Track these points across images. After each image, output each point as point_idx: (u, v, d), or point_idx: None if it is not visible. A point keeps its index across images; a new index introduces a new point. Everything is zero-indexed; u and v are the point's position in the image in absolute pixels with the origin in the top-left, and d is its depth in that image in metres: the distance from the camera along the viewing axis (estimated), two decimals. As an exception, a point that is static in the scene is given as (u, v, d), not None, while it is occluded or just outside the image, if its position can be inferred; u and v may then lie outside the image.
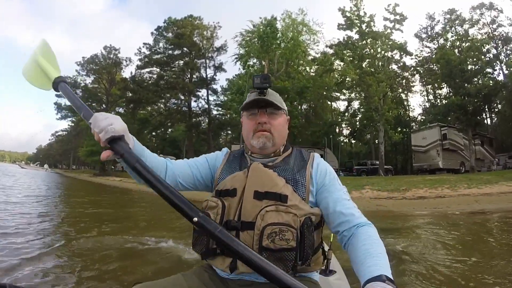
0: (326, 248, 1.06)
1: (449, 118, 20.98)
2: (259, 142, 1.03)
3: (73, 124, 50.56)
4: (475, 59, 19.39)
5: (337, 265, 1.59)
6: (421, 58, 30.67)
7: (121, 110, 37.42)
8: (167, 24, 33.79)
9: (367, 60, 21.00)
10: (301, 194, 0.96)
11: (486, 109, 27.84)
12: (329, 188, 0.99)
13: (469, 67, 19.99)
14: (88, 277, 2.96)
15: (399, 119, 32.00)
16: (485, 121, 33.27)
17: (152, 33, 34.16)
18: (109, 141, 0.76)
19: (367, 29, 21.40)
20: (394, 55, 25.40)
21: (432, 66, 27.92)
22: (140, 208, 9.92)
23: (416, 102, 60.49)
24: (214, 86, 34.65)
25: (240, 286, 0.96)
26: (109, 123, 0.76)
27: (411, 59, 29.42)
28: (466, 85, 18.43)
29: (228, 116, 34.09)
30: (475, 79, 19.46)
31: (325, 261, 1.03)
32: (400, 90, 32.77)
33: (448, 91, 22.74)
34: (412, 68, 30.54)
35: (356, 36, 21.91)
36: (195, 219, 0.69)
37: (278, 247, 0.85)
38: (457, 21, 32.77)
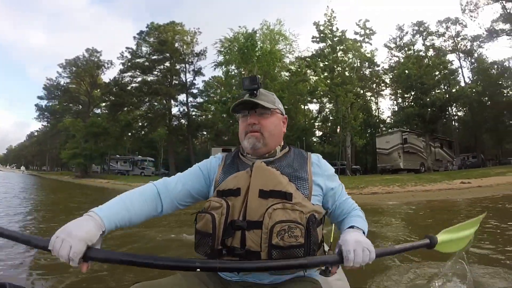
0: (326, 248, 1.07)
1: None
2: (249, 142, 1.04)
3: (48, 125, 50.07)
4: (433, 74, 21.82)
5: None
6: (389, 67, 33.37)
7: (98, 111, 37.80)
8: (149, 29, 34.68)
9: (337, 70, 22.97)
10: (304, 191, 0.97)
11: (447, 115, 30.82)
12: (330, 185, 1.06)
13: (433, 78, 22.59)
14: (89, 277, 2.92)
15: (368, 122, 34.35)
16: (452, 125, 36.54)
17: (134, 37, 34.94)
18: (81, 260, 0.75)
19: (338, 45, 23.43)
20: (363, 67, 27.67)
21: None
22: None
23: (386, 105, 63.22)
24: (194, 91, 35.85)
25: (242, 287, 0.98)
26: (67, 251, 0.73)
27: (378, 68, 31.85)
28: (424, 96, 20.81)
29: (204, 117, 35.24)
30: (432, 92, 21.88)
31: None
32: (370, 94, 35.24)
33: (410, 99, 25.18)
34: (381, 73, 33.06)
35: (328, 49, 23.93)
36: (197, 266, 0.74)
37: (287, 244, 0.86)
38: (424, 33, 36.03)
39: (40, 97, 39.62)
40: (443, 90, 23.56)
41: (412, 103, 21.78)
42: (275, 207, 0.90)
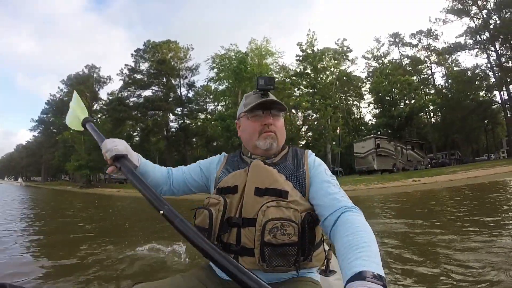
0: (326, 248, 1.04)
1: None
2: (266, 143, 1.02)
3: (40, 135, 51.92)
4: (399, 89, 25.37)
5: (337, 265, 1.42)
6: (366, 75, 36.85)
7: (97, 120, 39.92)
8: (146, 46, 37.48)
9: (317, 87, 26.22)
10: (301, 190, 0.96)
11: (424, 118, 34.40)
12: (317, 179, 0.98)
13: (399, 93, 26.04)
14: (89, 277, 2.96)
15: (350, 127, 37.54)
16: (426, 127, 39.89)
17: (132, 55, 37.68)
18: (114, 159, 0.96)
19: (319, 63, 26.69)
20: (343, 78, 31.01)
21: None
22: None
23: (368, 109, 66.74)
24: (190, 105, 38.66)
25: None
26: (114, 145, 0.96)
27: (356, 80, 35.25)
28: (391, 108, 24.26)
29: (194, 125, 37.84)
30: (401, 105, 25.40)
31: (325, 261, 1.02)
32: (352, 99, 38.55)
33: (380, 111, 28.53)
34: (360, 83, 36.51)
35: (310, 67, 27.19)
36: (161, 211, 0.78)
37: (280, 242, 0.85)
38: (400, 44, 39.57)
39: (44, 113, 42.11)
40: (408, 103, 27.10)
41: (382, 115, 25.19)
42: (269, 204, 0.89)
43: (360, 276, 0.60)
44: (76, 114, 1.23)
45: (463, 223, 4.90)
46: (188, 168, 1.19)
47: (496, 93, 31.49)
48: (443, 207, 7.32)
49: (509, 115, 29.83)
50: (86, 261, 3.55)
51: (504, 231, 4.07)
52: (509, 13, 27.80)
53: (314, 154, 1.09)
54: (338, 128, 23.48)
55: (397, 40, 39.90)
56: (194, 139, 39.89)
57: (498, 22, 28.69)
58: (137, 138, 39.29)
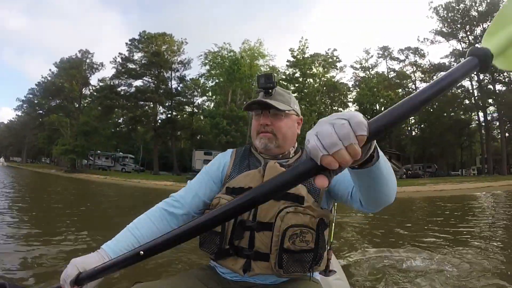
0: (326, 248, 1.03)
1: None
2: (261, 143, 1.02)
3: (24, 115, 51.24)
4: (383, 103, 26.79)
5: (337, 265, 1.64)
6: (353, 84, 38.24)
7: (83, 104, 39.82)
8: (141, 37, 37.74)
9: (304, 92, 27.31)
10: (315, 195, 0.94)
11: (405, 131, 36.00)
12: (339, 176, 0.88)
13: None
14: None
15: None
16: (406, 139, 41.58)
17: (126, 44, 37.85)
18: (76, 283, 0.75)
19: (308, 70, 27.80)
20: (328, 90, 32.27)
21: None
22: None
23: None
24: (178, 97, 39.09)
25: (242, 287, 0.96)
26: (64, 274, 0.78)
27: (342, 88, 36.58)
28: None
29: (180, 117, 38.32)
30: None
31: (325, 261, 1.01)
32: (337, 106, 39.90)
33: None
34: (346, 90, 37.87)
35: (300, 72, 28.28)
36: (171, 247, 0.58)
37: (298, 248, 0.85)
38: (388, 57, 41.05)
39: (32, 93, 41.85)
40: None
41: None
42: (288, 210, 0.88)
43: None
44: None
45: (392, 227, 5.66)
46: (199, 182, 1.05)
47: (474, 113, 33.28)
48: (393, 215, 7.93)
49: (484, 135, 31.57)
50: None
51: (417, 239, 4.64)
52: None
53: None
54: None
55: (385, 53, 41.50)
56: (178, 133, 40.36)
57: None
58: (123, 125, 39.52)
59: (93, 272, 0.74)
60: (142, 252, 0.60)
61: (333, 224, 1.15)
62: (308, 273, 0.91)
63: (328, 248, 1.03)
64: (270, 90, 1.01)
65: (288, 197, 0.91)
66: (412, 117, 27.49)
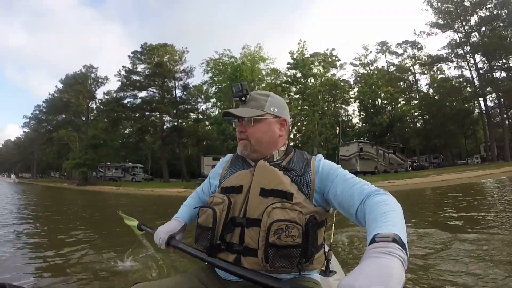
0: (326, 248, 1.04)
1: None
2: (239, 150, 1.09)
3: (32, 131, 52.38)
4: (383, 99, 27.36)
5: (337, 265, 1.67)
6: (354, 81, 38.81)
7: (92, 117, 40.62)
8: (143, 49, 38.72)
9: (307, 93, 27.90)
10: (306, 192, 0.96)
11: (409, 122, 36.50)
12: (333, 179, 0.96)
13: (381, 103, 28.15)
14: (89, 277, 2.99)
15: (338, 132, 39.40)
16: (410, 131, 41.94)
17: (129, 56, 38.83)
18: (166, 246, 1.12)
19: (308, 71, 28.40)
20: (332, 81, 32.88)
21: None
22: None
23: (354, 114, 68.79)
24: (183, 105, 39.97)
25: (241, 287, 0.97)
26: (158, 238, 1.12)
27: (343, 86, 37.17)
28: (374, 116, 26.17)
29: (185, 124, 38.99)
30: (381, 115, 27.39)
31: (325, 261, 1.02)
32: (339, 104, 40.45)
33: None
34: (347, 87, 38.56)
35: (300, 74, 28.88)
36: (206, 262, 0.99)
37: (284, 243, 0.86)
38: (387, 52, 41.53)
39: (40, 110, 43.28)
40: (389, 112, 29.24)
41: (366, 122, 27.18)
42: (274, 206, 0.90)
43: (373, 240, 0.60)
44: (132, 223, 1.54)
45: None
46: (204, 184, 1.28)
47: (476, 101, 33.55)
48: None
49: (486, 123, 31.85)
50: (86, 260, 3.62)
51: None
52: (488, 31, 29.98)
53: (323, 158, 1.06)
54: (327, 126, 24.91)
55: (384, 48, 41.96)
56: (184, 140, 41.14)
57: (478, 37, 30.80)
58: (130, 136, 40.39)
59: (177, 244, 1.11)
60: (206, 262, 0.98)
61: (333, 225, 1.18)
62: (295, 269, 0.88)
63: (328, 249, 1.04)
64: (243, 98, 1.06)
65: (276, 193, 0.94)
66: (414, 110, 27.97)
